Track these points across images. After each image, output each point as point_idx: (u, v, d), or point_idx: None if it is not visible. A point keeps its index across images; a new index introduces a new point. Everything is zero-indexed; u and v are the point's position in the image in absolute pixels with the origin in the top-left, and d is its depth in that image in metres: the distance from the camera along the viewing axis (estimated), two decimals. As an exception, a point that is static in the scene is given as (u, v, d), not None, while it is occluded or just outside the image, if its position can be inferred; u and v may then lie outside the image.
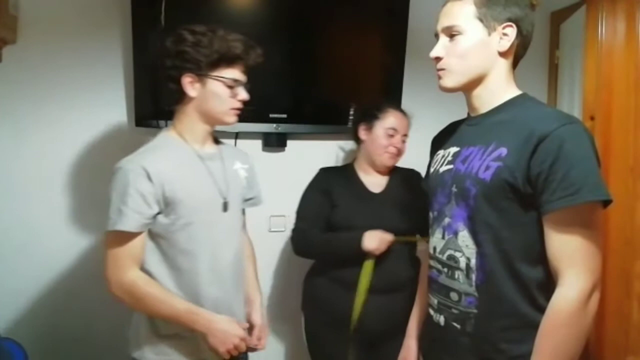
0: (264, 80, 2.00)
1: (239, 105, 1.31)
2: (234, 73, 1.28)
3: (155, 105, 1.88)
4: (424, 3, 1.93)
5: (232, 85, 1.28)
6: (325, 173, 1.82)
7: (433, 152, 1.30)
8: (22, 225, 1.91)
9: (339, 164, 2.15)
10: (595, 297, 0.98)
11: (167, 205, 1.23)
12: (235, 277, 1.35)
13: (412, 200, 1.66)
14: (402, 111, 1.78)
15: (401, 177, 1.79)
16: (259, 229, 2.10)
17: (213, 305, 1.27)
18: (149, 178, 1.19)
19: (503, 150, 1.04)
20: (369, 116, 1.75)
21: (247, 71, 1.33)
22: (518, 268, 1.03)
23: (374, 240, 1.59)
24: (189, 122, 1.31)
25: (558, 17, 2.27)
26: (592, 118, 1.55)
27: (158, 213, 1.23)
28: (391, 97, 2.13)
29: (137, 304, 1.22)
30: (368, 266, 1.62)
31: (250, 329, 1.36)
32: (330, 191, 1.73)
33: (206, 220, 1.27)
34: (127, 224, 1.17)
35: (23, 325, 1.91)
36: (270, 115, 2.01)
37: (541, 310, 1.01)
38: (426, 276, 1.23)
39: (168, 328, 1.25)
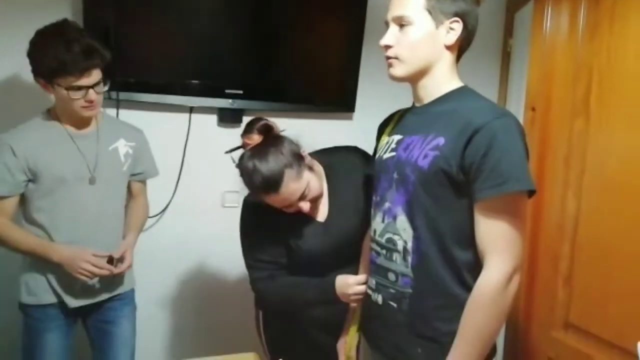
0: (220, 54, 2.00)
1: (86, 104, 1.46)
2: (71, 80, 1.41)
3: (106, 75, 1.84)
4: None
5: (72, 89, 1.42)
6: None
7: (378, 138, 1.34)
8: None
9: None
10: (515, 280, 1.05)
11: (33, 174, 1.49)
12: (101, 234, 1.58)
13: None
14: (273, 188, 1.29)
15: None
16: (213, 205, 2.12)
17: None
18: (13, 153, 1.46)
19: (441, 140, 1.09)
20: None
21: (104, 68, 1.46)
22: (450, 251, 1.10)
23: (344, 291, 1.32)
24: (60, 108, 1.52)
25: (513, 5, 2.33)
26: (533, 109, 1.63)
27: (29, 180, 1.50)
28: (348, 78, 2.15)
29: (5, 244, 1.51)
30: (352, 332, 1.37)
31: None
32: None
33: (70, 190, 1.52)
34: None
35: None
36: (226, 91, 2.00)
37: (470, 290, 1.08)
38: (368, 257, 1.29)
39: (35, 267, 1.53)
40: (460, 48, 1.17)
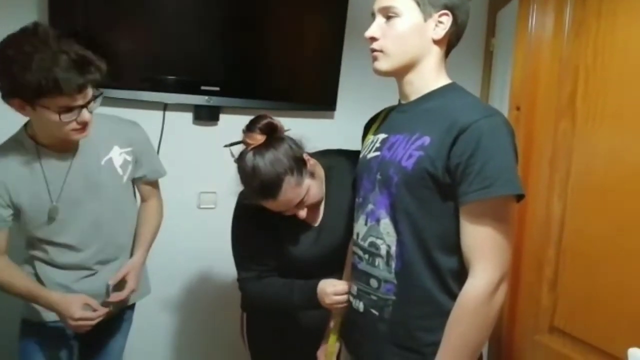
0: (196, 49, 1.93)
1: (78, 126, 1.26)
2: (63, 101, 1.19)
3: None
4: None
5: (63, 111, 1.21)
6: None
7: (364, 138, 1.29)
8: None
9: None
10: (503, 288, 1.01)
11: (16, 210, 1.32)
12: (111, 251, 1.46)
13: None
14: (272, 196, 1.25)
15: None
16: (188, 206, 2.04)
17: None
18: None
19: (426, 139, 1.04)
20: None
21: (98, 83, 1.26)
22: (435, 257, 1.05)
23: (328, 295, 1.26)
24: (41, 130, 1.30)
25: (496, 4, 2.31)
26: (517, 108, 1.59)
27: (14, 214, 1.33)
28: (329, 74, 2.10)
29: None
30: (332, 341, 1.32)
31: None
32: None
33: (65, 221, 1.36)
34: None
35: None
36: (202, 87, 1.92)
37: (455, 299, 1.03)
38: (351, 263, 1.23)
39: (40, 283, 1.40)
40: (449, 43, 1.12)
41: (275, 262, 1.37)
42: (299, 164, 1.25)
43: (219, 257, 2.09)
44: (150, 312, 2.06)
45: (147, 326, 2.06)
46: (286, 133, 1.28)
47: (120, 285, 1.43)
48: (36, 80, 1.13)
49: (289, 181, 1.22)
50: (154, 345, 2.10)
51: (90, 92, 1.24)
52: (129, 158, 1.46)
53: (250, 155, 1.22)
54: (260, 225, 1.34)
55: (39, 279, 1.41)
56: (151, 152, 1.57)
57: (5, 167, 1.30)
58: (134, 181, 1.54)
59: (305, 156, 1.28)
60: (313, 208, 1.34)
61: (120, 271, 1.44)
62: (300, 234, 1.36)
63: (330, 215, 1.37)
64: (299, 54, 2.07)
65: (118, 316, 1.55)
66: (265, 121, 1.25)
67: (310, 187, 1.28)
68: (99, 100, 1.29)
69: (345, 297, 1.23)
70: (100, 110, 1.80)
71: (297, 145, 1.27)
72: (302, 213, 1.29)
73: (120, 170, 1.44)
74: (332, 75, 2.09)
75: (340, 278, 1.31)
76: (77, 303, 1.33)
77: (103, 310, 1.37)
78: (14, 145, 1.32)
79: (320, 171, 1.36)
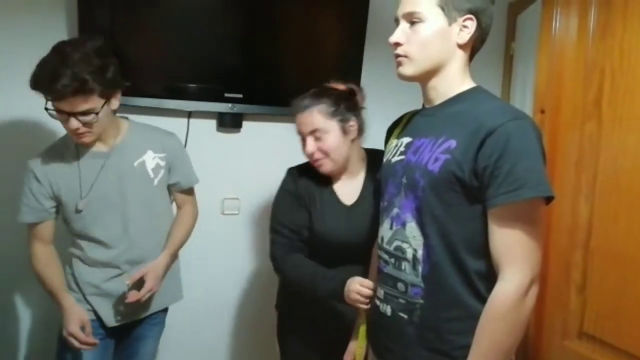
0: (219, 57, 1.96)
1: (74, 130, 1.36)
2: (57, 103, 1.31)
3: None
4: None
5: (57, 115, 1.33)
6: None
7: (387, 141, 1.30)
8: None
9: (294, 145, 2.12)
10: (533, 291, 1.00)
11: (57, 201, 1.45)
12: (141, 254, 1.53)
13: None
14: (301, 107, 1.43)
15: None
16: (212, 212, 2.07)
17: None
18: (37, 179, 1.43)
19: (452, 143, 1.04)
20: None
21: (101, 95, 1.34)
22: (462, 260, 1.05)
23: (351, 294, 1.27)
24: None
25: (515, 9, 2.30)
26: (542, 111, 1.59)
27: (57, 205, 1.46)
28: (350, 81, 2.10)
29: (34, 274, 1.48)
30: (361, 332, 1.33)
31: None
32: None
33: (98, 214, 1.46)
34: (23, 217, 1.45)
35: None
36: (226, 95, 1.95)
37: (485, 302, 1.03)
38: (376, 267, 1.24)
39: (75, 284, 1.52)
40: (474, 47, 1.13)
41: (306, 232, 1.44)
42: (344, 118, 1.39)
43: (242, 262, 2.12)
44: (174, 317, 2.08)
45: (169, 330, 2.09)
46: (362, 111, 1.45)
47: (140, 285, 1.47)
48: (36, 74, 1.29)
49: (322, 108, 1.38)
50: (179, 350, 2.11)
51: (80, 104, 1.31)
52: (161, 163, 1.54)
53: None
54: (301, 194, 1.46)
55: (74, 278, 1.50)
56: (185, 160, 1.63)
57: (50, 162, 1.44)
58: (169, 189, 1.60)
59: (352, 125, 1.41)
60: (326, 157, 1.41)
61: (140, 271, 1.48)
62: (333, 209, 1.45)
63: (365, 198, 1.44)
64: (320, 60, 2.09)
65: (149, 319, 1.59)
66: (357, 87, 1.44)
67: (334, 136, 1.39)
68: (92, 116, 1.35)
69: (369, 291, 1.24)
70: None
71: (359, 117, 1.43)
72: (310, 145, 1.40)
73: (151, 173, 1.52)
74: (353, 81, 2.09)
75: (364, 272, 1.33)
76: (76, 319, 1.40)
77: (91, 340, 1.41)
78: (60, 144, 1.49)
79: (361, 152, 1.49)
